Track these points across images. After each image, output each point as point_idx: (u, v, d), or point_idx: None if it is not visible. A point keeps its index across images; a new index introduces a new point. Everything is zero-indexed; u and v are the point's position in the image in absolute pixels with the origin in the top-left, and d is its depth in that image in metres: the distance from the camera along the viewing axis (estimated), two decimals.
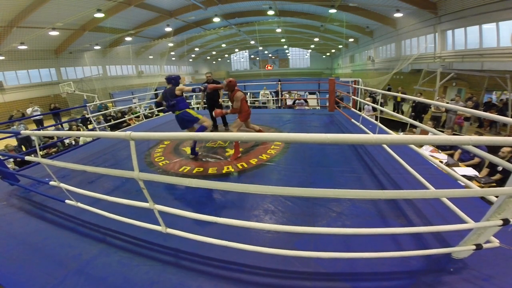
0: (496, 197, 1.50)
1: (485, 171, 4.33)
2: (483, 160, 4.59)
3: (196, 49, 31.02)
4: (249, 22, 21.04)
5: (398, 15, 14.19)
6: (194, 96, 9.16)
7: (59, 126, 8.98)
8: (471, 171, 4.36)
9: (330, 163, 3.56)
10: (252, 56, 39.13)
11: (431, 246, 1.85)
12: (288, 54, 38.00)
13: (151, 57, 26.02)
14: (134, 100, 14.01)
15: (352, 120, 5.33)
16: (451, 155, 5.12)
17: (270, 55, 37.98)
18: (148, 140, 5.01)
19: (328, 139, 1.15)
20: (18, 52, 14.27)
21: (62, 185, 2.28)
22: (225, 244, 1.64)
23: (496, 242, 1.58)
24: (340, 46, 28.15)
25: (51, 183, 2.43)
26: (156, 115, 10.50)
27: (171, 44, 23.20)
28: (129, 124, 9.19)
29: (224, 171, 3.50)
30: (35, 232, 2.39)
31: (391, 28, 16.72)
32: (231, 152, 4.10)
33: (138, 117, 10.89)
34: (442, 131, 5.54)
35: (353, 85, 6.81)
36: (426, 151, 5.01)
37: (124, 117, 10.27)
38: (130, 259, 1.95)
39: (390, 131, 3.61)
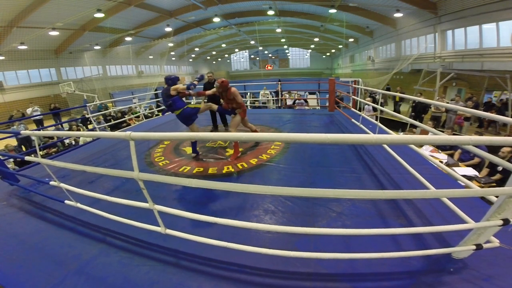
0: (496, 197, 1.50)
1: (485, 171, 4.33)
2: (483, 160, 4.60)
3: (196, 49, 31.02)
4: (249, 22, 21.03)
5: (398, 15, 14.18)
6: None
7: (59, 126, 8.98)
8: (471, 171, 4.36)
9: (330, 163, 3.55)
10: (252, 56, 39.11)
11: (431, 246, 1.85)
12: (288, 54, 37.96)
13: (151, 57, 26.01)
14: (134, 100, 14.02)
15: (352, 120, 5.32)
16: (451, 155, 5.12)
17: (270, 55, 37.94)
18: (148, 140, 5.01)
19: (328, 139, 1.15)
20: (18, 52, 14.25)
21: (62, 185, 2.28)
22: (225, 245, 1.65)
23: (496, 242, 1.59)
24: (340, 46, 28.14)
25: (51, 183, 2.43)
26: (156, 115, 10.50)
27: (171, 44, 23.20)
28: (129, 124, 9.19)
29: (224, 171, 3.50)
30: (35, 232, 2.39)
31: (391, 28, 16.70)
32: (231, 152, 4.10)
33: (138, 117, 10.89)
34: (442, 131, 5.54)
35: (353, 85, 6.81)
36: (426, 151, 5.01)
37: (124, 117, 10.27)
38: (130, 259, 1.95)
39: (390, 131, 3.61)
